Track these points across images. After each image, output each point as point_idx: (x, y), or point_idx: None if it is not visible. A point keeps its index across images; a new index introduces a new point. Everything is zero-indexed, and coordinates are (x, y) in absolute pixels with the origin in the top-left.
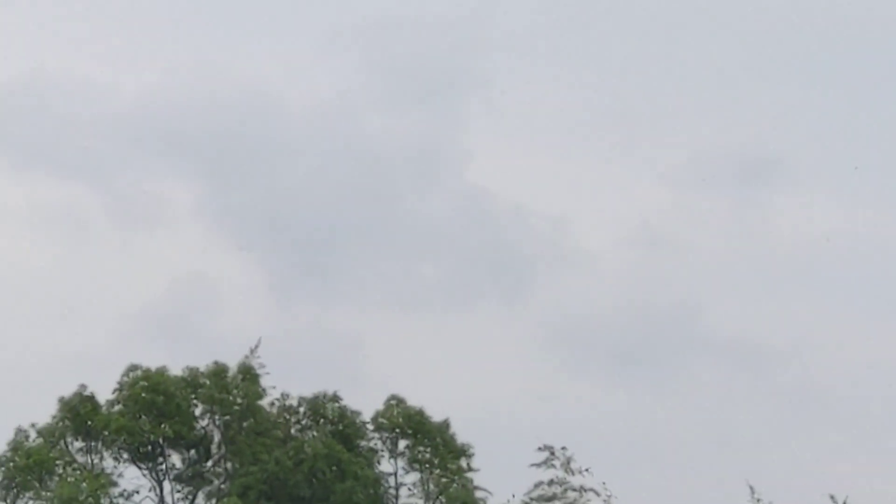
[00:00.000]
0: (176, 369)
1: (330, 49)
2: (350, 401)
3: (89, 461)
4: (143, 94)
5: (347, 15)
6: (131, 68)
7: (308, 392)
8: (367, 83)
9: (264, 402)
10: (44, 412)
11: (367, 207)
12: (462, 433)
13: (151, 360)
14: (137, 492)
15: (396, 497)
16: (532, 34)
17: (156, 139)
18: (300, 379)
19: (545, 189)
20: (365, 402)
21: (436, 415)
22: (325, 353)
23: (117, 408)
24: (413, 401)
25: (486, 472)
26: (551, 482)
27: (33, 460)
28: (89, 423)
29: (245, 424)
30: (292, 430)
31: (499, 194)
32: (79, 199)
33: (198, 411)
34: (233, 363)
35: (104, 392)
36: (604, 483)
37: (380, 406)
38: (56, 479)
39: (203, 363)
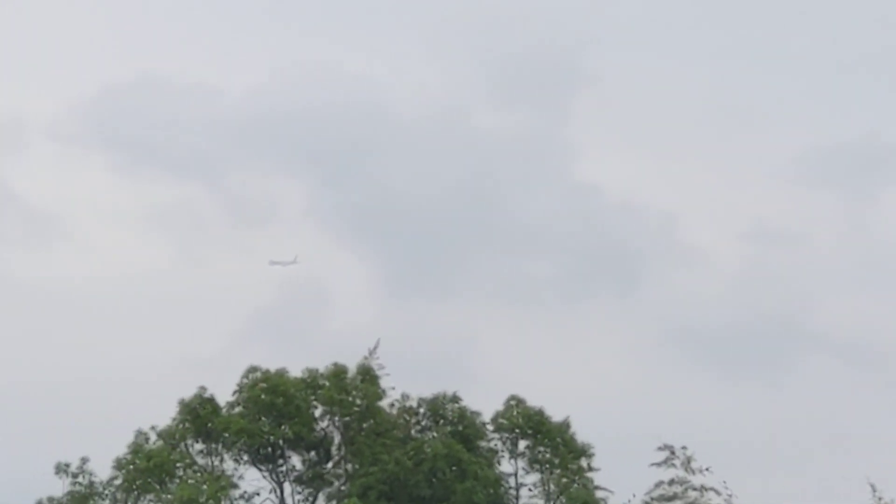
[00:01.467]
0: (292, 369)
1: (438, 47)
2: (462, 397)
3: (209, 463)
4: (251, 95)
5: (454, 12)
6: (239, 70)
7: (424, 390)
8: (475, 80)
9: (384, 403)
10: (162, 414)
11: (476, 204)
12: (578, 431)
13: (263, 360)
14: (258, 493)
15: (517, 497)
16: (642, 30)
17: (265, 139)
18: (413, 377)
19: (654, 185)
20: (477, 399)
21: (555, 414)
22: (437, 350)
23: (237, 409)
24: (529, 398)
25: (605, 470)
26: (672, 482)
27: (153, 462)
28: (209, 424)
29: (365, 425)
30: (412, 431)
31: (607, 190)
32: (193, 199)
33: (317, 413)
34: (344, 362)
35: (217, 393)
36: (724, 482)
37: (493, 401)
38: (176, 481)
39: (313, 363)
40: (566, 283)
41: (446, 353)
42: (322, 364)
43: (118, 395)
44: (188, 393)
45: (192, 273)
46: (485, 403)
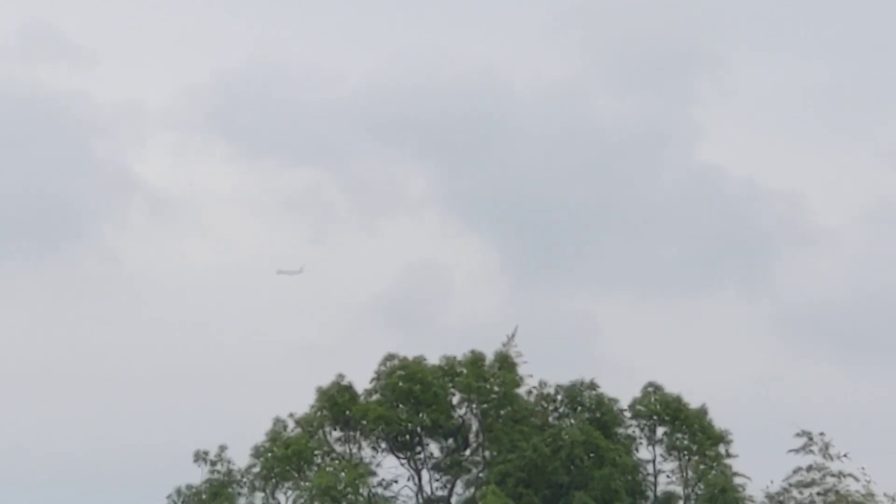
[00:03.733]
0: (431, 357)
1: (556, 29)
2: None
3: (347, 451)
4: (368, 80)
5: None
6: (355, 54)
7: (547, 374)
8: (594, 63)
9: (521, 391)
10: (299, 401)
11: (597, 188)
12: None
13: (389, 347)
14: (396, 481)
15: (655, 484)
16: (763, 12)
17: (384, 124)
18: (536, 363)
19: (777, 166)
20: (602, 384)
21: (689, 400)
22: (560, 335)
23: (375, 397)
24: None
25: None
26: (810, 468)
27: (292, 450)
28: (347, 412)
29: (503, 413)
30: (550, 418)
31: (730, 172)
32: (318, 185)
33: (455, 400)
34: (474, 349)
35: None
36: (863, 468)
37: (618, 386)
38: (314, 468)
39: (437, 349)
40: (692, 266)
41: (570, 338)
42: (456, 351)
43: (251, 382)
44: (315, 379)
45: (318, 259)
46: (610, 388)
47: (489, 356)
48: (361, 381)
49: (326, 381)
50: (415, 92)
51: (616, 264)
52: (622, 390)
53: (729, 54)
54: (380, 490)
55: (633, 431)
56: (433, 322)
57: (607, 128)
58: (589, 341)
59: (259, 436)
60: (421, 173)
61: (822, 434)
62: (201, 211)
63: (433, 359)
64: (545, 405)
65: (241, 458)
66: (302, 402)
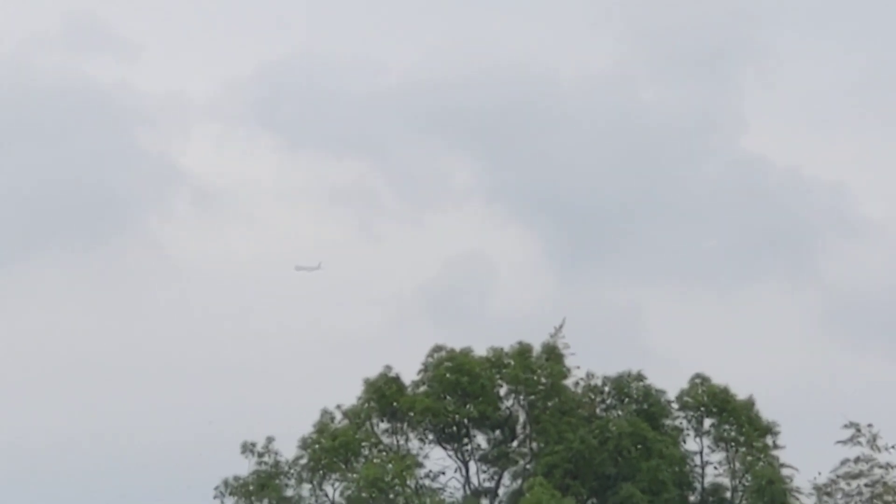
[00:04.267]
0: (478, 349)
1: (600, 20)
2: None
3: (395, 442)
4: (412, 72)
5: None
6: (399, 46)
7: (591, 363)
8: (638, 54)
9: (568, 382)
10: (347, 393)
11: (641, 179)
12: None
13: (440, 337)
14: (443, 472)
15: (702, 475)
16: (808, 3)
17: (428, 116)
18: (581, 353)
19: (821, 157)
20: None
21: (739, 392)
22: (604, 327)
23: (422, 389)
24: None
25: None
26: (857, 459)
27: (339, 442)
28: (395, 404)
29: (550, 404)
30: (597, 410)
31: (775, 162)
32: (363, 176)
33: (502, 391)
34: (508, 341)
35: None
36: None
37: (665, 379)
38: (362, 460)
39: (482, 340)
40: (737, 256)
41: (614, 329)
42: (501, 342)
43: (298, 373)
44: (361, 371)
45: (364, 250)
46: (655, 379)
47: (536, 347)
48: (407, 372)
49: (372, 372)
50: (458, 83)
51: (661, 255)
52: (667, 381)
53: (773, 45)
54: (427, 481)
55: (681, 423)
56: (478, 313)
57: (651, 118)
58: (633, 332)
59: (306, 427)
60: (465, 165)
61: (869, 425)
62: (247, 202)
63: (480, 350)
64: (592, 397)
65: (288, 449)
66: (349, 393)
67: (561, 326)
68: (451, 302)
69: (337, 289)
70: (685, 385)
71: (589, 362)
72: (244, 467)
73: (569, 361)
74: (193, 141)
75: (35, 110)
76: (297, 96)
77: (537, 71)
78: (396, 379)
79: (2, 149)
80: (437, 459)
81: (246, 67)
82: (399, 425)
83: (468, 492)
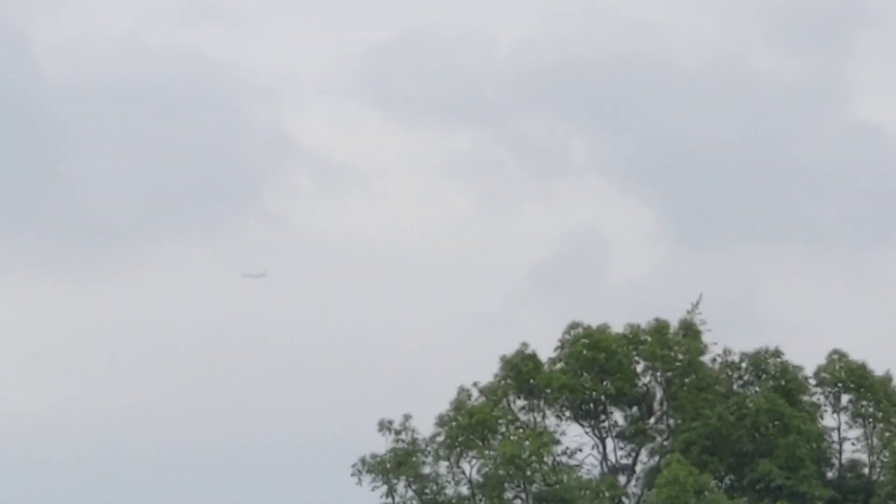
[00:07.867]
0: (615, 325)
1: None
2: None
3: (531, 419)
4: (526, 44)
5: None
6: (511, 19)
7: (729, 340)
8: (752, 23)
9: (705, 358)
10: (482, 369)
11: (756, 148)
12: None
13: (553, 313)
14: (580, 449)
15: (840, 452)
16: None
17: (544, 88)
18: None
19: None
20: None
21: (877, 368)
22: (724, 299)
23: (559, 366)
24: (825, 347)
25: None
26: None
27: (476, 419)
28: (531, 381)
29: (687, 381)
30: (734, 386)
31: (890, 130)
32: (484, 149)
33: (639, 368)
34: (631, 314)
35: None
36: None
37: (791, 350)
38: (499, 437)
39: (604, 314)
40: (852, 226)
41: (733, 301)
42: (624, 314)
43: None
44: (489, 347)
45: (487, 225)
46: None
47: (673, 324)
48: (538, 347)
49: (503, 349)
50: (572, 56)
51: (775, 224)
52: (792, 352)
53: (888, 12)
54: (564, 458)
55: (818, 399)
56: (598, 285)
57: (765, 87)
58: (754, 303)
59: (443, 405)
60: (580, 137)
61: None
62: (367, 176)
63: (616, 326)
64: (729, 373)
65: (425, 427)
66: (484, 370)
67: (698, 302)
68: (571, 274)
69: (464, 263)
70: (823, 361)
71: (708, 333)
72: (381, 445)
73: (706, 338)
74: (307, 117)
75: (149, 87)
76: (408, 69)
77: (652, 42)
78: (533, 356)
79: (119, 125)
80: (573, 436)
81: (357, 43)
82: (536, 402)
83: (605, 468)
